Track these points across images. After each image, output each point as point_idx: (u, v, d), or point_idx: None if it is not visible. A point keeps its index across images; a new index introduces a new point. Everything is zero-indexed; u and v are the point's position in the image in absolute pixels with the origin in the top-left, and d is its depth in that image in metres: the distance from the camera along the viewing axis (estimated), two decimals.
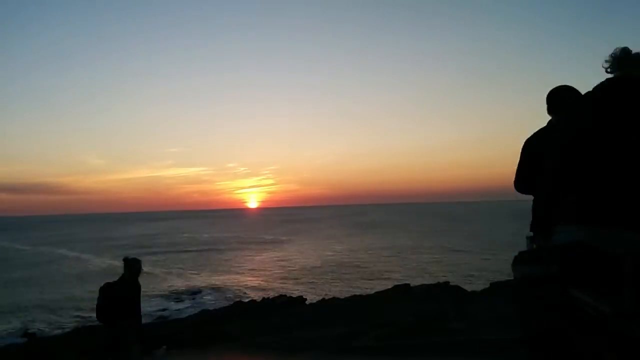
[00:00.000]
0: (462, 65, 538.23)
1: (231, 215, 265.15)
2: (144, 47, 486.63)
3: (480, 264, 45.94)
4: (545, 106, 3.03)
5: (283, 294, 28.34)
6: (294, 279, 42.99)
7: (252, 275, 46.23)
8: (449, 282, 13.62)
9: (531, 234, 2.90)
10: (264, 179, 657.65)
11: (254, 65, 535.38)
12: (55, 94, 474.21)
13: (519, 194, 3.13)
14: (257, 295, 31.20)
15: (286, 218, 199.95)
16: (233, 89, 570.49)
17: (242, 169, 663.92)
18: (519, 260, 2.49)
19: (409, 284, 14.23)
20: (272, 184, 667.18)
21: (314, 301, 19.55)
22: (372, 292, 16.32)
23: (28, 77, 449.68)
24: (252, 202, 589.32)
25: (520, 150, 2.99)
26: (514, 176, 3.07)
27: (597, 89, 1.97)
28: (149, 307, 32.76)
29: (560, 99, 2.91)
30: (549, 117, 3.01)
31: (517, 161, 3.03)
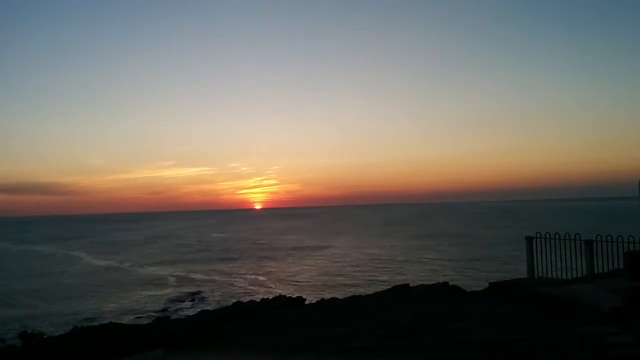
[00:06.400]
0: (464, 66, 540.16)
1: (232, 216, 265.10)
2: (145, 46, 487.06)
3: (480, 263, 45.97)
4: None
5: (283, 294, 28.38)
6: (294, 278, 43.02)
7: (252, 275, 46.23)
8: (448, 282, 13.59)
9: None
10: (266, 179, 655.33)
11: (257, 64, 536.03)
12: (55, 93, 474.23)
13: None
14: (257, 295, 31.22)
15: (286, 217, 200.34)
16: (236, 89, 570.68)
17: (245, 169, 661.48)
18: None
19: (408, 284, 14.20)
20: (275, 184, 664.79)
21: (314, 301, 19.55)
22: (372, 292, 16.31)
23: (28, 76, 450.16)
24: (255, 202, 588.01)
25: None
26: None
27: None
28: (148, 307, 32.83)
29: None
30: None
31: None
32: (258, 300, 25.21)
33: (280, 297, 25.04)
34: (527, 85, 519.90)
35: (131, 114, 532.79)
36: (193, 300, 35.06)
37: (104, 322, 22.30)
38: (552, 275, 12.14)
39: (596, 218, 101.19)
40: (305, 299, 23.75)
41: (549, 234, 12.38)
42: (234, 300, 28.14)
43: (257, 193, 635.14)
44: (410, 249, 62.25)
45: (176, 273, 48.54)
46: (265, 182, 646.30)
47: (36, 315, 30.79)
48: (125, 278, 45.22)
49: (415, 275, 38.12)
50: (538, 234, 12.58)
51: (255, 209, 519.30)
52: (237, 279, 44.42)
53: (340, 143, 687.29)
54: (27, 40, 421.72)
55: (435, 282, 14.68)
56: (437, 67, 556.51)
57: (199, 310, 27.00)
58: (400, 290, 13.14)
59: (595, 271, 11.76)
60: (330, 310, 12.22)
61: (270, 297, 25.57)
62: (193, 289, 39.01)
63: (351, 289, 32.93)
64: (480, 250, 56.54)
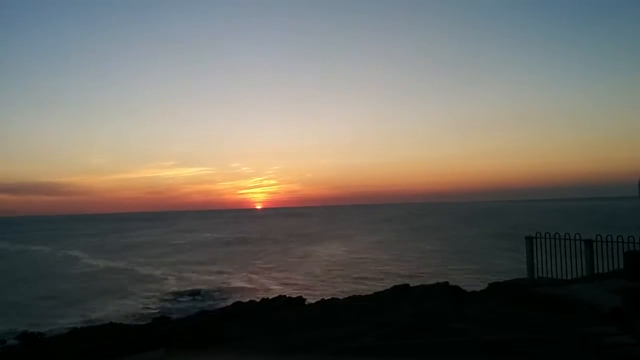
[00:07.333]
0: (465, 66, 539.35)
1: (232, 216, 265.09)
2: (145, 45, 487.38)
3: (479, 264, 45.94)
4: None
5: (282, 294, 28.37)
6: (294, 279, 43.01)
7: (252, 275, 46.21)
8: (448, 282, 13.60)
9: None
10: (266, 179, 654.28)
11: (257, 64, 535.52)
12: (55, 93, 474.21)
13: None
14: (256, 296, 31.21)
15: (286, 217, 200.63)
16: (236, 89, 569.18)
17: (245, 169, 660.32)
18: None
19: (408, 284, 14.23)
20: (275, 184, 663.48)
21: (313, 301, 19.55)
22: (372, 292, 16.32)
23: (29, 76, 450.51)
24: (255, 202, 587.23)
25: None
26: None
27: None
28: (148, 307, 32.84)
29: None
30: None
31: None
32: (258, 300, 25.24)
33: (280, 297, 25.06)
34: (527, 85, 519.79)
35: (131, 114, 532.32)
36: (193, 300, 35.07)
37: (104, 322, 22.31)
38: (552, 275, 12.14)
39: (596, 218, 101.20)
40: (305, 299, 23.77)
41: (549, 234, 12.37)
42: (234, 300, 28.17)
43: (257, 193, 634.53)
44: (409, 248, 62.25)
45: (176, 273, 48.51)
46: (265, 182, 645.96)
47: (36, 315, 30.77)
48: (124, 278, 45.17)
49: (414, 275, 38.12)
50: (538, 234, 12.57)
51: (255, 208, 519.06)
52: (237, 279, 44.41)
53: (340, 143, 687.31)
54: (27, 39, 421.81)
55: (435, 282, 14.68)
56: (437, 67, 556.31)
57: (198, 310, 27.02)
58: (400, 290, 13.16)
59: (595, 271, 11.76)
60: (330, 310, 12.21)
61: (270, 297, 25.61)
62: (193, 289, 39.00)
63: (351, 289, 32.92)
64: (480, 250, 56.55)
